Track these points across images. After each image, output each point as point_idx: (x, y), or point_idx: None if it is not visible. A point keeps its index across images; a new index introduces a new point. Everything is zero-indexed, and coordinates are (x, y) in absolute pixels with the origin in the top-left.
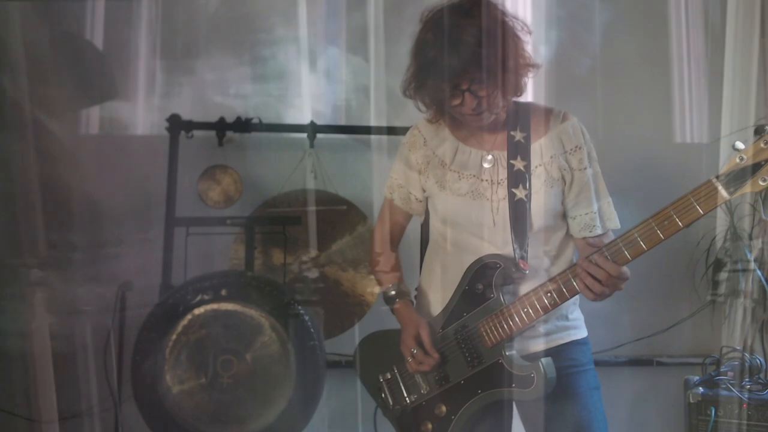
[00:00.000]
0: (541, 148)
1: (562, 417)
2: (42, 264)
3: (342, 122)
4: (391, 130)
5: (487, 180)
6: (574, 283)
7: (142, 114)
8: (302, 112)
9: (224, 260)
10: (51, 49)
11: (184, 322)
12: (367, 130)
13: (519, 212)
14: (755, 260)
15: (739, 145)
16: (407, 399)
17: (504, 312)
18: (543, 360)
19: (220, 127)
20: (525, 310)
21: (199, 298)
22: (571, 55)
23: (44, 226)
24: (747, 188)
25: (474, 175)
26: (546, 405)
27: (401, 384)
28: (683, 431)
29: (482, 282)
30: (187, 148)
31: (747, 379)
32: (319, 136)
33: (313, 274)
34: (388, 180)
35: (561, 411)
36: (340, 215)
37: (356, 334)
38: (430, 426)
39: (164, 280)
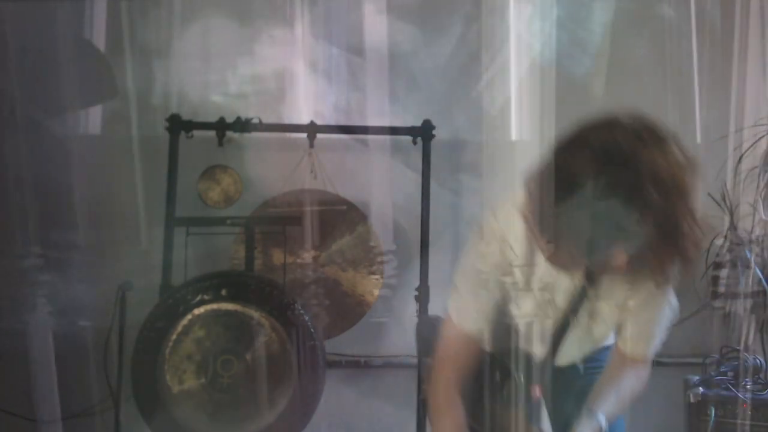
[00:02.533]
0: (621, 291)
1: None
2: (42, 264)
3: (342, 122)
4: (391, 130)
5: (562, 306)
6: None
7: (142, 114)
8: (302, 112)
9: (224, 260)
10: (51, 48)
11: (184, 322)
12: (367, 130)
13: (577, 339)
14: (755, 260)
15: None
16: None
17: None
18: None
19: (220, 127)
20: None
21: (199, 298)
22: (571, 55)
23: (44, 226)
24: None
25: (549, 300)
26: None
27: None
28: (683, 431)
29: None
30: (187, 148)
31: (747, 379)
32: (319, 136)
33: (313, 274)
34: (453, 299)
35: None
36: (340, 215)
37: (356, 334)
38: None
39: (164, 280)
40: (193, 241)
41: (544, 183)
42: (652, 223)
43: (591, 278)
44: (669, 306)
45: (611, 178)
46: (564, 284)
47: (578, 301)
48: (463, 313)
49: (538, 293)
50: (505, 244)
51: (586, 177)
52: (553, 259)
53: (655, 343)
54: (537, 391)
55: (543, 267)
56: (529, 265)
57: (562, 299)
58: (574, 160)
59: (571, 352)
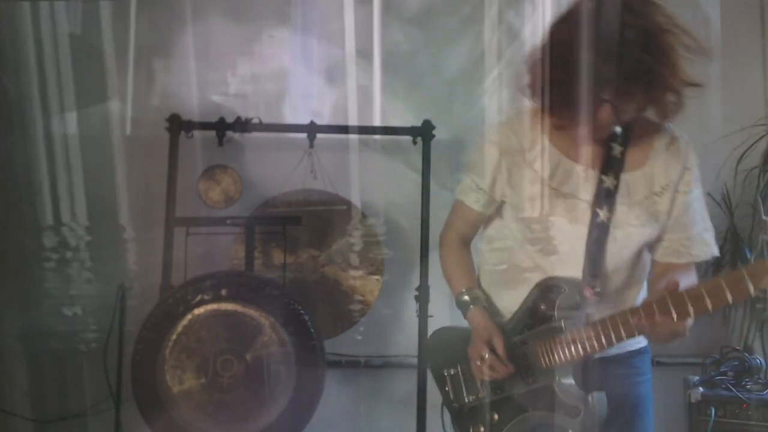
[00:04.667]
0: (643, 179)
1: (620, 421)
2: (42, 264)
3: (342, 122)
4: (391, 130)
5: (586, 201)
6: (633, 326)
7: (142, 114)
8: (302, 112)
9: (224, 260)
10: (51, 49)
11: (184, 322)
12: (367, 130)
13: (598, 236)
14: (755, 260)
15: None
16: (466, 398)
17: (562, 338)
18: (595, 394)
19: (220, 127)
20: (582, 342)
21: (199, 298)
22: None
23: (44, 226)
24: None
25: (573, 195)
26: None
27: (462, 382)
28: (683, 431)
29: (545, 303)
30: (187, 148)
31: (747, 379)
32: (319, 136)
33: (313, 274)
34: (461, 183)
35: (620, 415)
36: (340, 215)
37: (356, 334)
38: (482, 430)
39: (164, 280)
40: (193, 241)
41: (541, 57)
42: (634, 44)
43: (604, 165)
44: (695, 179)
45: (570, 23)
46: (580, 177)
47: (603, 199)
48: (465, 191)
49: (562, 193)
50: (516, 137)
51: (561, 32)
52: (556, 139)
53: (710, 227)
54: (589, 294)
55: (554, 157)
56: (538, 158)
57: (585, 195)
58: (559, 27)
59: (614, 262)
